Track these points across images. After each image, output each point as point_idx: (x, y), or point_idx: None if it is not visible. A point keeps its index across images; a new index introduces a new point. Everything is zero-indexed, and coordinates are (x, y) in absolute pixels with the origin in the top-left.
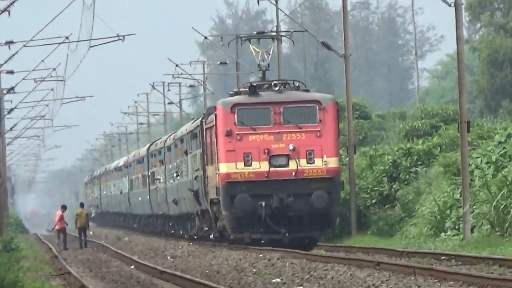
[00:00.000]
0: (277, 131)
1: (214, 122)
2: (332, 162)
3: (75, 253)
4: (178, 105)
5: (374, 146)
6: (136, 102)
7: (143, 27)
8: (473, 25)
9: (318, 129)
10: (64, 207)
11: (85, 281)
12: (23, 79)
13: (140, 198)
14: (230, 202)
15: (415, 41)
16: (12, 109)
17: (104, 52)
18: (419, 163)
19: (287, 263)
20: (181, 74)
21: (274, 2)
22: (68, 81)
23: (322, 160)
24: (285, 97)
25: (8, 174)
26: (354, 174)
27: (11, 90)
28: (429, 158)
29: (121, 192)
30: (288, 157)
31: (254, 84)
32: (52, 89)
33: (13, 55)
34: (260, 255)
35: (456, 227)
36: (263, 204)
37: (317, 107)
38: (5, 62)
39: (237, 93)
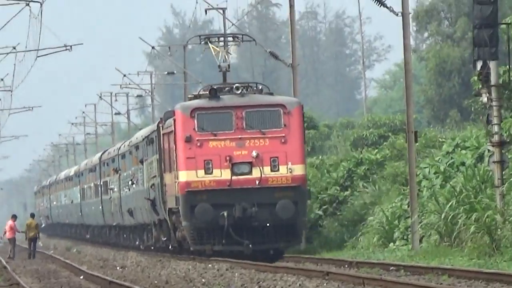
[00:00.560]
0: (240, 136)
1: (172, 128)
2: (298, 170)
3: (24, 263)
4: (126, 115)
5: (320, 157)
6: (83, 112)
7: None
8: (420, 35)
9: (283, 134)
10: (14, 217)
11: None
12: None
13: (92, 208)
14: (190, 212)
15: (362, 51)
16: None
17: (52, 62)
18: (372, 172)
19: (236, 274)
20: (129, 84)
21: (222, 12)
22: (15, 91)
23: (287, 168)
24: (247, 101)
25: None
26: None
27: None
28: (381, 168)
29: (72, 202)
30: (251, 164)
31: (215, 87)
32: (0, 99)
33: None
34: (209, 265)
35: (405, 237)
36: (225, 214)
37: (282, 111)
38: None
39: (197, 97)
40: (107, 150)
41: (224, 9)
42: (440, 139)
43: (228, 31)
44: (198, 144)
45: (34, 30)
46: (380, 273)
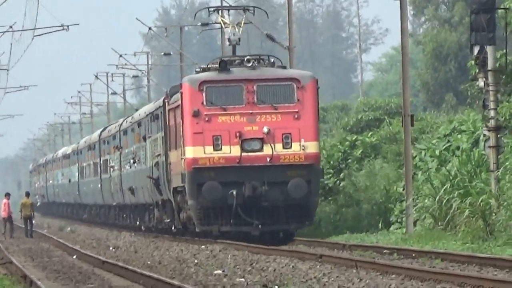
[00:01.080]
0: (250, 111)
1: (179, 102)
2: (311, 147)
3: (17, 242)
4: (122, 95)
5: None
6: (79, 92)
7: (87, 17)
8: (418, 19)
9: (296, 110)
10: (8, 195)
11: (27, 270)
12: None
13: (91, 187)
14: (197, 190)
15: (359, 34)
16: None
17: (48, 42)
18: (366, 155)
19: (229, 255)
20: (125, 64)
21: None
22: (11, 70)
23: (300, 145)
24: (259, 74)
25: None
26: None
27: None
28: (376, 151)
29: (69, 181)
30: (262, 141)
31: (225, 59)
32: None
33: None
34: (202, 247)
35: (399, 220)
36: (234, 193)
37: (295, 86)
38: None
39: (205, 70)
40: (107, 127)
41: None
42: (436, 125)
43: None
44: (206, 119)
45: (31, 10)
46: (373, 256)
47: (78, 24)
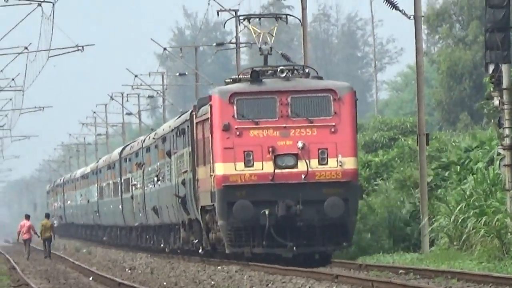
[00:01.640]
0: (284, 125)
1: (208, 115)
2: (349, 163)
3: (33, 264)
4: (137, 116)
5: None
6: (94, 112)
7: (102, 38)
8: (432, 38)
9: (333, 123)
10: (28, 217)
11: None
12: None
13: (111, 207)
14: (227, 209)
15: (374, 53)
16: None
17: (63, 63)
18: (378, 175)
19: (245, 276)
20: (140, 85)
21: (234, 14)
22: (26, 91)
23: (337, 161)
24: (293, 86)
25: None
26: None
27: None
28: (388, 171)
29: (88, 202)
30: (296, 156)
31: (257, 70)
32: (11, 99)
33: None
34: (218, 267)
35: (414, 242)
36: (267, 212)
37: (332, 97)
38: None
39: (236, 81)
40: (128, 144)
41: (236, 11)
42: (452, 143)
43: (240, 34)
44: (238, 133)
45: (46, 30)
46: (389, 276)
47: (93, 45)
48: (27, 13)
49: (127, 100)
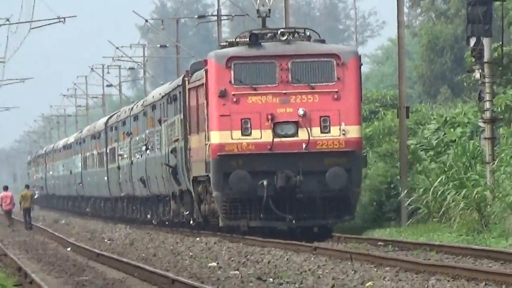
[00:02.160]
0: (284, 91)
1: (203, 80)
2: (353, 132)
3: (12, 234)
4: (118, 88)
5: None
6: (75, 84)
7: (83, 10)
8: (414, 11)
9: (336, 89)
10: (6, 188)
11: (22, 263)
12: None
13: (95, 178)
14: (223, 180)
15: (355, 26)
16: None
17: (45, 34)
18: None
19: (224, 247)
20: (121, 56)
21: None
22: (8, 63)
23: (340, 129)
24: (294, 49)
25: None
26: None
27: None
28: (371, 143)
29: (71, 172)
30: (297, 124)
31: (256, 32)
32: None
33: None
34: (197, 239)
35: (393, 217)
36: (265, 183)
37: (335, 62)
38: None
39: (233, 44)
40: (114, 113)
41: None
42: (431, 116)
43: (221, 6)
44: (235, 99)
45: (28, 2)
46: (367, 249)
47: (74, 16)
48: None
49: (108, 72)
